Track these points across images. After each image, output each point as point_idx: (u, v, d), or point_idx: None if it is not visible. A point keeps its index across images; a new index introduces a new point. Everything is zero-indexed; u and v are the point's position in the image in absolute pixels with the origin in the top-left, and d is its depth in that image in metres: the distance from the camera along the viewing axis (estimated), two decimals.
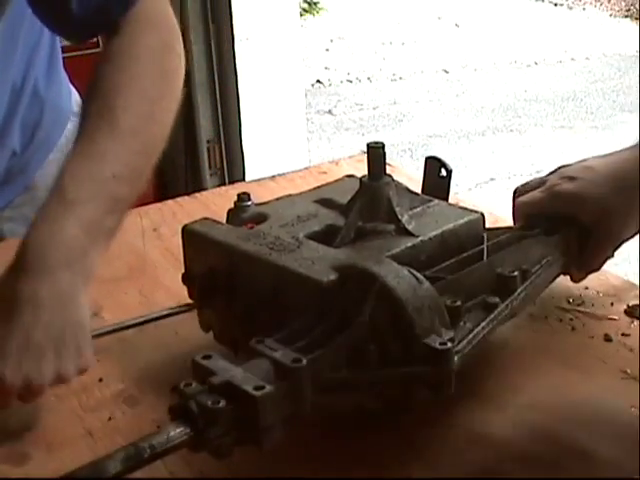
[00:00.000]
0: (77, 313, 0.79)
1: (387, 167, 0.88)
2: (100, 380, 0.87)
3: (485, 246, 0.85)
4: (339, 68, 6.19)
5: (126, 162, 0.87)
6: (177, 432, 0.64)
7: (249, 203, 0.91)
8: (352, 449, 0.76)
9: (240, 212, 0.91)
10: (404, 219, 0.85)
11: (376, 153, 0.86)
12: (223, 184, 2.82)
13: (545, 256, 0.88)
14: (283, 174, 1.37)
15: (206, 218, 0.89)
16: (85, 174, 0.84)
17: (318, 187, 0.97)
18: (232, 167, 2.95)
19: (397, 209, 0.85)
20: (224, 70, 2.83)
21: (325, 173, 1.35)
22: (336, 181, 0.98)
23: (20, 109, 1.17)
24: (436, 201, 0.90)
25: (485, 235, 0.87)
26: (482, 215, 0.88)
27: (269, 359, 0.68)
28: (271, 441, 0.65)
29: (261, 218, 0.89)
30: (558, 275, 0.92)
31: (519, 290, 0.82)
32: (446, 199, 0.93)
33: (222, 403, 0.64)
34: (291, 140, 3.03)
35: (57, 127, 1.25)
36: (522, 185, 0.97)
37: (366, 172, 0.98)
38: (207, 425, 0.63)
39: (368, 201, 0.86)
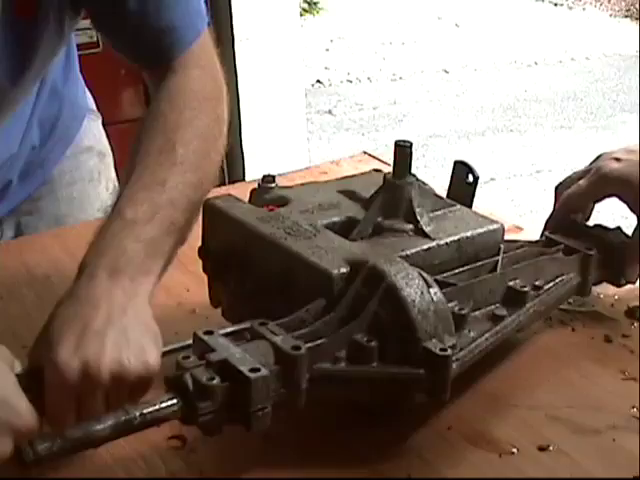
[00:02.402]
0: (140, 315, 0.77)
1: (386, 167, 0.88)
2: None
3: (501, 257, 0.84)
4: (339, 68, 6.19)
5: (183, 192, 0.88)
6: (169, 403, 0.64)
7: (273, 185, 0.91)
8: (351, 447, 0.76)
9: (263, 193, 0.90)
10: (423, 220, 0.85)
11: (403, 152, 0.86)
12: (223, 184, 2.81)
13: (561, 275, 0.88)
14: (283, 174, 1.36)
15: (229, 195, 0.89)
16: (143, 198, 0.85)
17: (343, 177, 0.97)
18: (232, 167, 2.95)
19: (417, 210, 0.85)
20: (224, 70, 2.83)
21: (325, 173, 1.34)
22: (362, 174, 0.98)
23: (39, 105, 1.18)
24: (458, 206, 0.90)
25: (502, 246, 0.86)
26: (502, 226, 0.87)
27: (269, 343, 0.68)
28: (260, 425, 0.66)
29: (283, 201, 0.89)
30: (574, 294, 0.92)
31: (528, 305, 0.82)
32: (470, 205, 0.92)
33: (216, 380, 0.64)
34: (291, 140, 3.03)
35: (74, 123, 1.28)
36: (564, 181, 0.97)
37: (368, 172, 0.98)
38: (199, 400, 0.64)
39: (389, 198, 0.86)
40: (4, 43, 0.96)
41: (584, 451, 0.75)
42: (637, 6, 7.52)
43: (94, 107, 1.34)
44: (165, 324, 0.97)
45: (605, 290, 0.98)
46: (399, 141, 0.86)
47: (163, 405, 0.64)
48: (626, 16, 7.65)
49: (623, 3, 7.82)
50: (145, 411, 0.64)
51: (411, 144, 0.86)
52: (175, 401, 0.64)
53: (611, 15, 7.76)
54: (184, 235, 0.89)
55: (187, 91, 0.98)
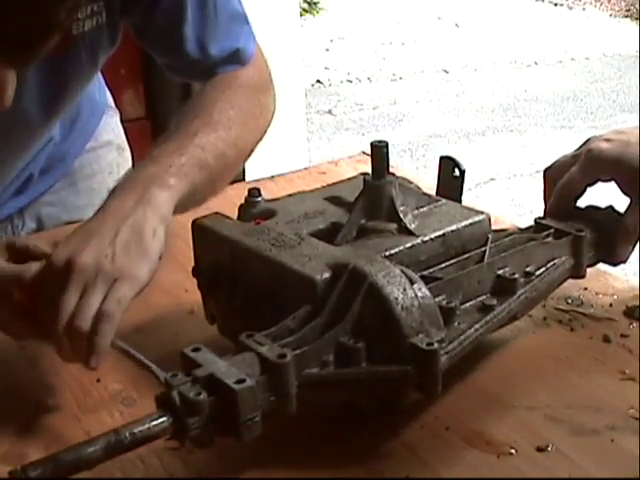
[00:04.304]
0: (137, 225, 0.83)
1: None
2: (98, 381, 0.87)
3: (488, 247, 0.84)
4: (339, 68, 6.19)
5: (214, 143, 0.94)
6: (159, 421, 0.65)
7: (259, 199, 0.91)
8: (349, 447, 0.76)
9: (250, 207, 0.91)
10: (407, 218, 0.85)
11: (379, 152, 0.86)
12: None
13: (552, 259, 0.88)
14: (282, 174, 1.37)
15: (217, 213, 0.89)
16: (172, 143, 0.92)
17: (330, 185, 0.97)
18: None
19: (400, 208, 0.85)
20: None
21: (324, 173, 1.34)
22: (349, 179, 0.98)
23: None
24: (444, 201, 0.89)
25: (490, 237, 0.86)
26: (488, 217, 0.87)
27: (255, 353, 0.68)
28: (251, 435, 0.66)
29: (270, 214, 0.89)
30: (569, 277, 0.91)
31: (520, 292, 0.82)
32: (459, 199, 0.92)
33: (203, 395, 0.64)
34: (291, 140, 3.03)
35: (93, 118, 1.31)
36: (553, 164, 0.97)
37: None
38: (188, 415, 0.64)
39: (371, 200, 0.86)
40: (37, 81, 0.99)
41: (583, 452, 0.75)
42: (637, 6, 7.52)
43: (112, 104, 1.36)
44: (163, 324, 0.97)
45: (604, 290, 0.98)
46: (374, 142, 0.86)
47: (153, 423, 0.65)
48: (626, 16, 7.66)
49: (623, 3, 7.83)
50: (135, 430, 0.64)
51: (387, 144, 0.86)
52: (165, 418, 0.65)
53: (611, 15, 7.76)
54: (215, 181, 0.95)
55: (232, 79, 1.05)
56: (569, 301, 0.97)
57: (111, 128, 1.34)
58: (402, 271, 0.74)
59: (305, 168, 1.44)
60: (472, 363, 0.85)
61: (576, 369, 0.86)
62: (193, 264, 0.90)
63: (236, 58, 1.08)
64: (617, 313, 0.95)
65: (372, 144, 0.86)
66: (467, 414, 0.80)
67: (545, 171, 0.98)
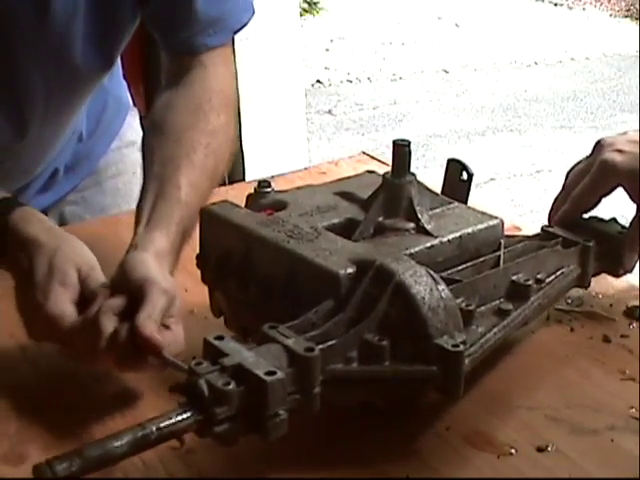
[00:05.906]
0: None
1: (385, 167, 0.88)
2: (98, 381, 0.87)
3: (502, 252, 0.85)
4: (339, 68, 6.19)
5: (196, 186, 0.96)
6: (185, 415, 0.63)
7: (269, 189, 0.90)
8: (349, 449, 0.76)
9: (259, 198, 0.90)
10: (424, 219, 0.84)
11: (402, 150, 0.85)
12: (223, 184, 2.81)
13: (561, 267, 0.88)
14: (282, 174, 1.37)
15: (225, 201, 0.88)
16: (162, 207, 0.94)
17: (338, 180, 0.97)
18: (232, 167, 2.94)
19: (417, 208, 0.85)
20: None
21: (324, 173, 1.34)
22: (356, 176, 0.97)
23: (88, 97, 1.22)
24: (456, 203, 0.89)
25: (503, 241, 0.86)
26: (501, 221, 0.87)
27: (281, 346, 0.67)
28: (277, 433, 0.64)
29: (280, 205, 0.88)
30: (574, 286, 0.92)
31: (533, 299, 0.82)
32: (465, 202, 0.92)
33: (232, 385, 0.63)
34: (291, 140, 3.03)
35: (118, 117, 1.33)
36: (572, 171, 0.97)
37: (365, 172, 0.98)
38: (215, 405, 0.62)
39: (389, 198, 0.85)
40: (84, 21, 0.99)
41: (583, 452, 0.75)
42: (637, 6, 7.52)
43: (132, 105, 1.36)
44: None
45: (604, 290, 0.98)
46: (397, 140, 0.85)
47: (179, 418, 0.63)
48: (626, 16, 7.66)
49: (623, 3, 7.83)
50: (162, 425, 0.62)
51: (409, 143, 0.85)
52: (190, 413, 0.63)
53: (611, 15, 7.76)
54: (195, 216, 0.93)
55: (208, 91, 1.04)
56: (569, 301, 0.97)
57: (134, 129, 1.35)
58: (427, 271, 0.74)
59: (305, 168, 1.44)
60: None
61: (576, 369, 0.86)
62: (195, 262, 0.89)
63: (229, 22, 1.07)
64: (617, 313, 0.95)
65: (394, 142, 0.85)
66: (467, 414, 0.80)
67: (567, 174, 0.97)
